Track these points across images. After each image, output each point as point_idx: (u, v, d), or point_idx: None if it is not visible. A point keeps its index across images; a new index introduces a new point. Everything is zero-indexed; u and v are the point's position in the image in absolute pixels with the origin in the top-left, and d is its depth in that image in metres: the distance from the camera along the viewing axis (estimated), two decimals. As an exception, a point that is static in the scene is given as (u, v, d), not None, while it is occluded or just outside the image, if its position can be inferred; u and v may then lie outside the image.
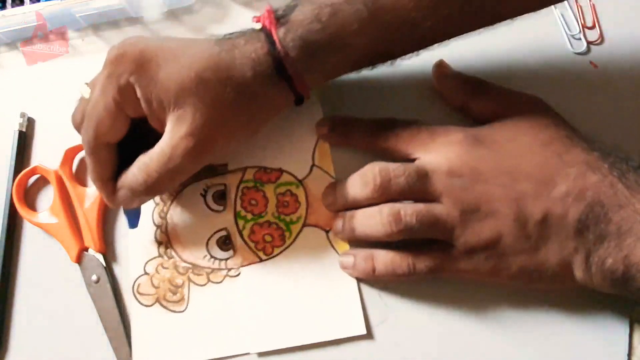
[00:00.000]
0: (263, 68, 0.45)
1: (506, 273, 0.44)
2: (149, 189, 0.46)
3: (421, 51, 0.49)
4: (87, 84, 0.48)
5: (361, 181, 0.47)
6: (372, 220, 0.46)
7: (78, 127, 0.48)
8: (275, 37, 0.44)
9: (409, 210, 0.45)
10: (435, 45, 0.48)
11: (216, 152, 0.47)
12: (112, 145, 0.47)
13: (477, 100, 0.51)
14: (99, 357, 0.50)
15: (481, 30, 0.48)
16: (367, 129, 0.51)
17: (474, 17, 0.47)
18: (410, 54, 0.49)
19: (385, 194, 0.46)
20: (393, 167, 0.46)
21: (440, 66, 0.53)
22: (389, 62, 0.50)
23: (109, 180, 0.48)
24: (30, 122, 0.58)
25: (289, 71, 0.45)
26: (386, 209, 0.46)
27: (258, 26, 0.46)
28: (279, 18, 0.45)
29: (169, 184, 0.47)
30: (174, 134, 0.44)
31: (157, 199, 0.53)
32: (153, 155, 0.45)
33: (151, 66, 0.44)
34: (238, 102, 0.45)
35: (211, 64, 0.44)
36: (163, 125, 0.45)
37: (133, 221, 0.53)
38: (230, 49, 0.45)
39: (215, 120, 0.45)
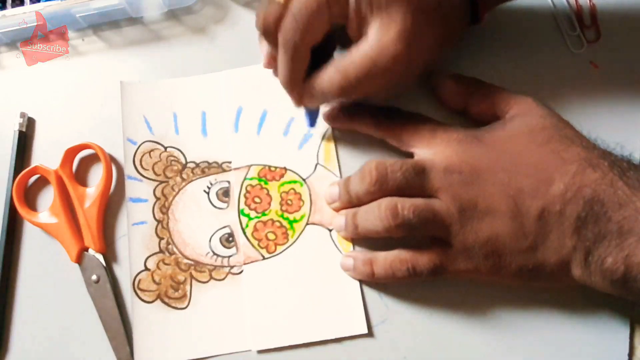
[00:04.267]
0: None
1: (505, 272, 0.44)
2: (343, 92, 0.47)
3: None
4: None
5: (360, 176, 0.48)
6: (372, 214, 0.46)
7: (268, 29, 0.48)
8: None
9: (406, 204, 0.45)
10: None
11: (424, 60, 0.47)
12: (310, 47, 0.47)
13: (477, 101, 0.51)
14: (99, 357, 0.49)
15: None
16: (372, 114, 0.51)
17: None
18: None
19: (382, 189, 0.46)
20: (390, 162, 0.47)
21: (437, 72, 0.53)
22: None
23: (302, 80, 0.48)
24: (30, 122, 0.58)
25: None
26: (384, 202, 0.46)
27: None
28: None
29: (365, 89, 0.47)
30: (381, 37, 0.44)
31: (159, 193, 0.53)
32: (355, 59, 0.45)
33: None
34: (438, 13, 0.46)
35: None
36: (361, 32, 0.46)
37: (313, 119, 0.53)
38: None
39: (422, 26, 0.45)
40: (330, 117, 0.53)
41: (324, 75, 0.47)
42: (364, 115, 0.52)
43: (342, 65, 0.46)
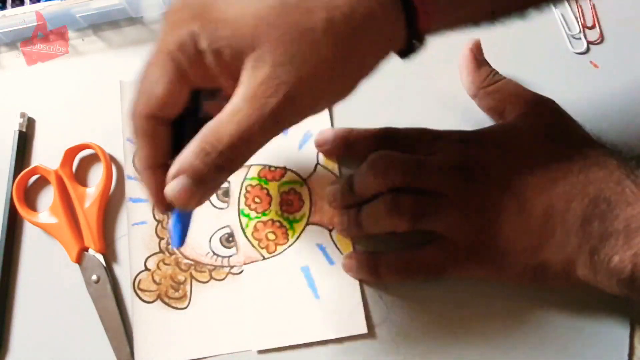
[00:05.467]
0: None
1: (510, 271, 0.44)
2: (218, 166, 0.35)
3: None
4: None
5: (364, 167, 0.47)
6: (374, 210, 0.46)
7: (140, 171, 0.39)
8: None
9: (410, 198, 0.45)
10: None
11: (313, 103, 0.36)
12: (167, 123, 0.37)
13: (489, 95, 0.51)
14: (99, 357, 0.49)
15: None
16: (369, 138, 0.50)
17: None
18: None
19: (386, 182, 0.46)
20: (395, 155, 0.46)
21: (474, 48, 0.52)
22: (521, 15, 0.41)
23: (159, 168, 0.37)
24: (30, 122, 0.58)
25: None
26: (387, 197, 0.45)
27: None
28: None
29: (245, 154, 0.36)
30: (253, 80, 0.33)
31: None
32: (223, 117, 0.34)
33: (217, 5, 0.34)
34: (337, 36, 0.34)
35: None
36: (236, 84, 0.34)
37: (178, 238, 0.39)
38: None
39: (308, 57, 0.34)
40: (326, 152, 0.52)
41: (187, 151, 0.35)
42: (360, 143, 0.50)
43: (210, 129, 0.35)
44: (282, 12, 0.33)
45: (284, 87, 0.33)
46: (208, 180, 0.35)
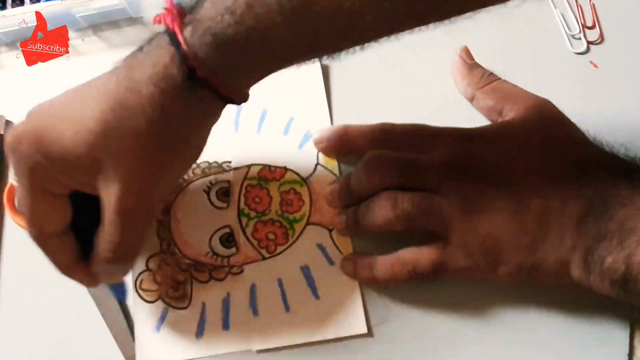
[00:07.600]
0: (173, 79, 0.37)
1: (504, 270, 0.44)
2: (122, 259, 0.42)
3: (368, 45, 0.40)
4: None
5: (361, 166, 0.47)
6: (372, 207, 0.46)
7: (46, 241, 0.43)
8: (180, 38, 0.37)
9: (406, 196, 0.45)
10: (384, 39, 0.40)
11: (166, 187, 0.43)
12: (64, 230, 0.42)
13: (486, 95, 0.51)
14: (100, 357, 0.49)
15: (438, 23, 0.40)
16: (366, 136, 0.51)
17: (429, 10, 0.39)
18: (352, 48, 0.40)
19: (383, 181, 0.46)
20: (392, 154, 0.47)
21: (463, 54, 0.53)
22: (329, 56, 0.41)
23: (76, 264, 0.43)
24: (30, 122, 0.58)
25: (200, 74, 0.37)
26: (384, 194, 0.46)
27: (161, 28, 0.39)
28: (185, 14, 0.38)
29: (139, 243, 0.43)
30: (110, 199, 0.39)
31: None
32: (106, 229, 0.40)
33: (52, 138, 0.38)
34: (159, 132, 0.38)
35: (111, 103, 0.37)
36: (95, 189, 0.40)
37: (120, 293, 0.50)
38: (127, 73, 0.38)
39: (144, 162, 0.39)
40: (324, 150, 0.53)
41: (95, 253, 0.42)
42: (358, 140, 0.51)
43: (102, 238, 0.41)
44: (107, 132, 0.37)
45: (140, 196, 0.40)
46: (121, 268, 0.45)
